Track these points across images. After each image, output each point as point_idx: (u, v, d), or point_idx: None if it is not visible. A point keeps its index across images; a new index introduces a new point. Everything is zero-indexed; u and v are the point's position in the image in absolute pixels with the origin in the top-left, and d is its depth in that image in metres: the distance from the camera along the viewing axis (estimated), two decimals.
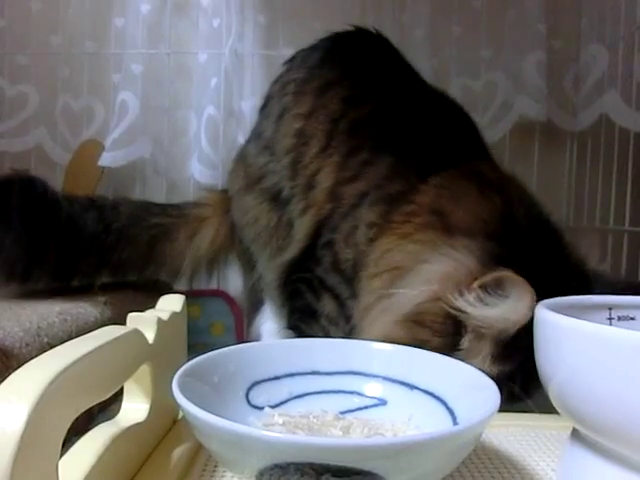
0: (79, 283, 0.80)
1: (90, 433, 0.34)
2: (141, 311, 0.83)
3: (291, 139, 0.73)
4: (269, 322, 0.84)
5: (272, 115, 0.77)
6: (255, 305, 0.85)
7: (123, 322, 0.81)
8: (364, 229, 0.64)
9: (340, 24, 0.95)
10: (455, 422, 0.36)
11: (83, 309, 0.70)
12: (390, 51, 0.78)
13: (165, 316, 0.42)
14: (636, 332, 0.31)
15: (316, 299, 0.69)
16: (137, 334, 0.37)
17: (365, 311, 0.60)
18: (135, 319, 0.40)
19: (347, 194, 0.67)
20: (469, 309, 0.50)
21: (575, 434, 0.41)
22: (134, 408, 0.39)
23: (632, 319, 0.46)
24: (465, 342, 0.51)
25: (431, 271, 0.54)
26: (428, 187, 0.62)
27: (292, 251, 0.72)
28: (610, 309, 0.46)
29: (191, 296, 1.00)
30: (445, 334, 0.51)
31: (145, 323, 0.40)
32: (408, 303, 0.53)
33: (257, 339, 0.86)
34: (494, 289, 0.49)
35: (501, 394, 0.35)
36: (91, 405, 0.32)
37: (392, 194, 0.64)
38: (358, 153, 0.68)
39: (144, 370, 0.39)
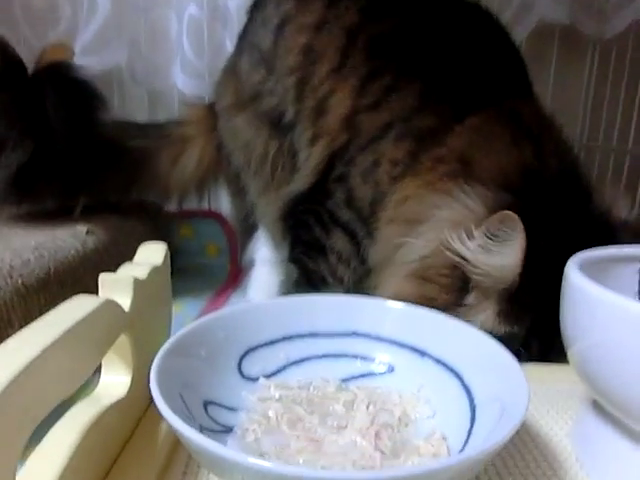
0: (55, 207, 0.73)
1: (68, 415, 0.30)
2: (129, 239, 0.77)
3: (296, 56, 0.63)
4: (263, 250, 0.79)
5: (269, 23, 0.67)
6: (248, 231, 0.80)
7: (109, 253, 0.76)
8: (387, 166, 0.58)
9: None
10: (472, 403, 0.32)
11: (62, 242, 0.64)
12: None
13: (143, 274, 0.37)
14: None
15: (325, 234, 0.64)
16: (110, 306, 0.32)
17: (381, 262, 0.56)
18: (108, 282, 0.35)
19: (367, 124, 0.60)
20: (467, 254, 0.47)
21: (592, 404, 0.38)
22: (114, 382, 0.35)
23: None
24: (470, 298, 0.47)
25: (440, 219, 0.50)
26: (463, 129, 0.55)
27: (298, 184, 0.65)
28: None
29: (183, 217, 0.97)
30: (451, 290, 0.48)
31: (119, 287, 0.35)
32: (415, 255, 0.50)
33: (250, 266, 0.82)
34: (495, 234, 0.46)
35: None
36: (64, 397, 0.28)
37: (422, 130, 0.57)
38: (380, 77, 0.60)
39: (122, 340, 0.34)
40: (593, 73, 0.93)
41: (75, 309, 0.30)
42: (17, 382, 0.22)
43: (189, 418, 0.28)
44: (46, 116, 0.68)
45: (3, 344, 0.25)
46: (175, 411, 0.25)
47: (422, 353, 0.37)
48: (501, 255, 0.46)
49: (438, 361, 0.36)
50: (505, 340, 0.35)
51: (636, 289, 0.42)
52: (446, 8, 0.63)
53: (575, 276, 0.34)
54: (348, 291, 0.64)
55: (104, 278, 0.35)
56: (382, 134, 0.59)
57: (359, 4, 0.62)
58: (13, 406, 0.22)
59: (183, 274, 0.90)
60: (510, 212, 0.45)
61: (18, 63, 0.70)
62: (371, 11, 0.62)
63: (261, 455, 0.29)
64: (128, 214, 0.81)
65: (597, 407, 0.37)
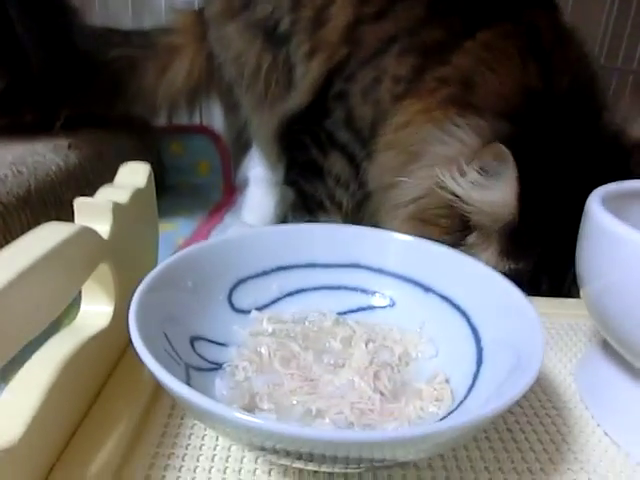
0: (35, 120, 0.68)
1: (46, 346, 0.28)
2: (114, 154, 0.73)
3: None
4: (258, 168, 0.75)
5: None
6: (241, 148, 0.75)
7: (93, 168, 0.72)
8: (389, 84, 0.53)
9: None
10: (479, 345, 0.30)
11: (42, 157, 0.60)
12: None
13: (124, 198, 0.34)
14: None
15: (322, 155, 0.60)
16: (85, 234, 0.29)
17: (380, 188, 0.52)
18: (85, 207, 0.31)
19: (369, 37, 0.55)
20: (459, 191, 0.44)
21: (599, 344, 0.36)
22: (95, 312, 0.32)
23: None
24: (472, 238, 0.45)
25: (433, 155, 0.47)
26: (473, 45, 0.50)
27: (294, 101, 0.60)
28: None
29: (173, 132, 0.92)
30: (452, 231, 0.45)
31: (97, 213, 0.31)
32: (409, 196, 0.48)
33: (244, 185, 0.78)
34: (485, 169, 0.43)
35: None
36: (36, 332, 0.26)
37: (429, 44, 0.52)
38: None
39: (103, 269, 0.32)
40: None
41: (47, 236, 0.27)
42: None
43: (174, 357, 0.26)
44: (16, 38, 0.62)
45: None
46: (157, 352, 0.23)
47: (426, 288, 0.34)
48: (493, 190, 0.43)
49: (443, 297, 0.33)
50: (512, 278, 0.32)
51: None
52: None
53: (597, 211, 0.31)
54: (346, 216, 0.62)
55: (80, 203, 0.31)
56: (385, 48, 0.54)
57: None
58: None
59: (174, 192, 0.87)
60: (499, 144, 0.42)
61: None
62: None
63: (252, 396, 0.27)
64: (114, 128, 0.76)
65: (604, 347, 0.35)
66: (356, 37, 0.56)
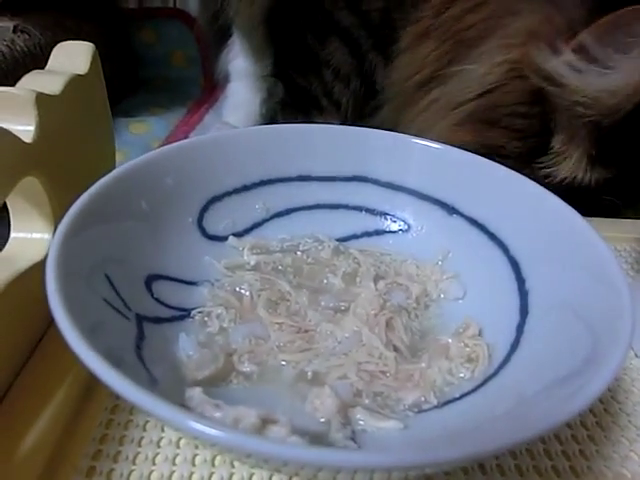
0: None
1: None
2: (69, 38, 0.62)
3: None
4: (239, 59, 0.65)
5: None
6: (219, 35, 0.65)
7: (45, 59, 0.62)
8: None
9: None
10: (522, 287, 0.23)
11: None
12: None
13: (56, 88, 0.25)
14: None
15: (319, 42, 0.50)
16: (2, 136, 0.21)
17: (406, 87, 0.42)
18: (1, 101, 0.23)
19: None
20: (571, 77, 0.33)
21: None
22: (27, 239, 0.25)
23: None
24: (557, 143, 0.35)
25: (511, 31, 0.36)
26: None
27: None
28: None
29: (143, 17, 0.80)
30: (528, 134, 0.36)
31: (17, 108, 0.23)
32: (475, 88, 0.37)
33: (225, 79, 0.68)
34: (603, 40, 0.32)
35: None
36: None
37: None
38: None
39: (32, 184, 0.24)
40: None
41: None
42: None
43: (119, 309, 0.19)
44: None
45: None
46: (89, 311, 0.16)
47: (451, 209, 0.27)
48: (617, 73, 0.33)
49: (473, 221, 0.26)
50: (595, 191, 0.25)
51: None
52: None
53: None
54: (345, 119, 0.53)
55: None
56: None
57: None
58: None
59: (147, 88, 0.77)
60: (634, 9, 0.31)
61: None
62: None
63: (228, 355, 0.21)
64: (73, 10, 0.65)
65: None
66: None
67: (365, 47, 0.49)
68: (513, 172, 0.25)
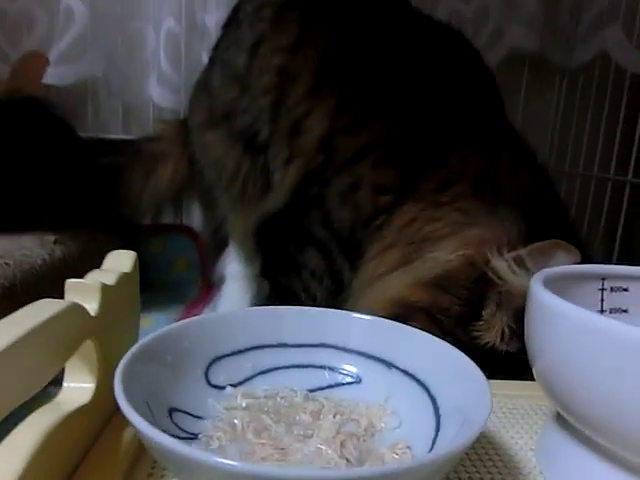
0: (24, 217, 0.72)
1: (27, 420, 0.29)
2: (99, 250, 0.77)
3: (271, 76, 0.64)
4: (234, 264, 0.79)
5: (244, 43, 0.67)
6: (218, 245, 0.79)
7: (77, 264, 0.75)
8: (369, 192, 0.58)
9: None
10: (437, 413, 0.32)
11: (29, 250, 0.63)
12: None
13: (111, 280, 0.37)
14: (627, 326, 0.29)
15: (298, 250, 0.64)
16: (75, 309, 0.32)
17: (372, 280, 0.56)
18: (75, 287, 0.34)
19: (344, 146, 0.60)
20: (509, 276, 0.47)
21: (557, 417, 0.38)
22: (77, 388, 0.34)
23: (625, 290, 0.44)
24: (487, 313, 0.48)
25: (469, 236, 0.51)
26: (463, 153, 0.57)
27: (272, 202, 0.66)
28: (603, 279, 0.43)
29: (153, 231, 0.96)
30: (467, 303, 0.48)
31: (86, 292, 0.34)
32: (438, 267, 0.50)
33: (220, 281, 0.81)
34: (535, 258, 0.47)
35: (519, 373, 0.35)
36: (26, 398, 0.28)
37: (407, 156, 0.58)
38: (358, 99, 0.61)
39: (88, 346, 0.34)
40: (561, 101, 0.96)
41: (38, 311, 0.29)
42: None
43: (153, 424, 0.28)
44: (17, 149, 0.67)
45: None
46: (139, 414, 0.25)
47: (389, 365, 0.37)
48: None
49: (405, 372, 0.36)
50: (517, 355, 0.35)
51: (598, 307, 0.43)
52: (418, 30, 0.65)
53: (537, 290, 0.35)
54: None
55: (70, 283, 0.34)
56: (359, 156, 0.60)
57: (334, 26, 0.63)
58: None
59: (152, 289, 0.89)
60: (561, 241, 0.46)
61: None
62: (346, 34, 0.63)
63: None
64: (99, 226, 0.80)
65: (561, 420, 0.38)
66: (331, 146, 0.61)
67: (335, 254, 0.62)
68: (425, 334, 0.36)
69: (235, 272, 0.80)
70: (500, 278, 0.48)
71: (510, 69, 0.94)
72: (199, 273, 0.97)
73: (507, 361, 0.46)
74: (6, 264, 0.58)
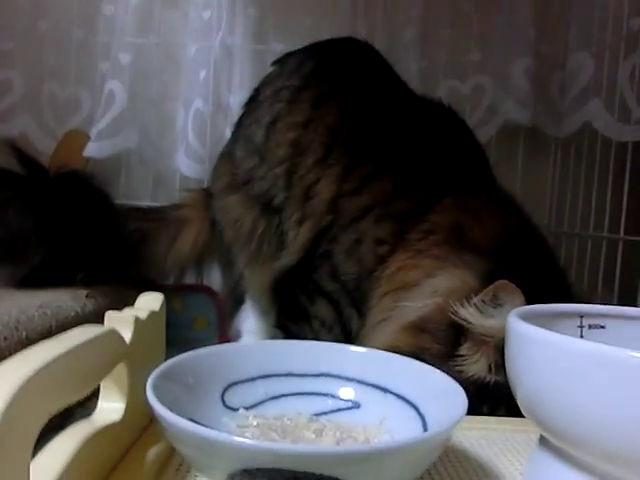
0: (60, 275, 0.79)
1: (65, 432, 0.34)
2: (125, 305, 0.83)
3: (286, 149, 0.73)
4: (250, 320, 0.84)
5: (263, 120, 0.77)
6: (236, 303, 0.85)
7: (104, 317, 0.81)
8: (371, 245, 0.65)
9: (331, 21, 0.95)
10: (425, 427, 0.36)
11: (64, 303, 0.69)
12: (381, 62, 0.79)
13: (143, 315, 0.43)
14: (600, 344, 0.33)
15: (309, 301, 0.70)
16: (114, 334, 0.37)
17: (373, 328, 0.61)
18: (113, 318, 0.40)
19: (349, 207, 0.68)
20: (471, 319, 0.53)
21: (542, 440, 0.42)
22: (110, 408, 0.39)
23: (602, 327, 0.48)
24: (464, 349, 0.52)
25: (437, 286, 0.57)
26: (442, 207, 0.63)
27: (286, 260, 0.72)
28: (581, 317, 0.47)
29: (173, 290, 1.02)
30: (445, 342, 0.53)
31: (123, 322, 0.40)
32: (414, 313, 0.56)
33: (237, 337, 0.86)
34: (492, 301, 0.52)
35: (501, 405, 0.39)
36: (65, 406, 0.33)
37: (401, 212, 0.65)
38: (360, 166, 0.69)
39: (121, 369, 0.39)
40: (557, 168, 1.03)
41: (81, 333, 0.35)
42: (19, 395, 0.25)
43: None
44: (62, 219, 0.75)
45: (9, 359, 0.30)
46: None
47: (385, 390, 0.41)
48: (502, 318, 0.51)
49: (398, 396, 0.40)
50: (497, 388, 0.39)
51: None
52: (411, 108, 0.73)
53: (514, 321, 0.40)
54: None
55: (110, 314, 0.40)
56: (363, 215, 0.67)
57: (340, 105, 0.72)
58: (35, 392, 0.27)
59: (172, 346, 0.93)
60: (507, 282, 0.51)
61: (40, 169, 0.77)
62: (349, 112, 0.72)
63: None
64: (126, 284, 0.86)
65: (546, 444, 0.41)
66: (338, 207, 0.69)
67: (344, 305, 0.68)
68: (419, 362, 0.41)
69: (251, 327, 0.85)
70: (469, 323, 0.53)
71: (507, 140, 1.02)
72: (217, 331, 1.02)
73: (498, 390, 0.50)
74: (44, 313, 0.64)
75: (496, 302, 0.52)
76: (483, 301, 0.53)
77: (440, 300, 0.55)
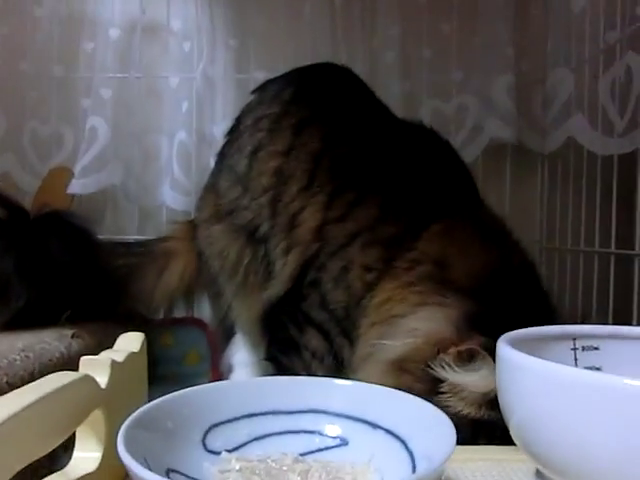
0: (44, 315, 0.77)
1: None
2: (114, 342, 0.82)
3: (269, 178, 0.72)
4: (240, 353, 0.82)
5: (244, 150, 0.76)
6: (226, 334, 0.84)
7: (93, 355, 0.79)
8: (358, 271, 0.64)
9: (312, 47, 0.96)
10: (413, 463, 0.35)
11: (47, 344, 0.68)
12: (360, 86, 0.79)
13: (121, 357, 0.41)
14: (593, 372, 0.32)
15: (299, 333, 0.68)
16: (87, 380, 0.36)
17: (361, 361, 0.60)
18: (87, 363, 0.39)
19: (335, 234, 0.67)
20: (447, 376, 0.51)
21: (538, 473, 0.40)
22: (85, 457, 0.37)
23: (596, 349, 0.47)
24: (445, 386, 0.51)
25: (417, 324, 0.56)
26: (430, 235, 0.62)
27: (275, 289, 0.71)
28: (574, 339, 0.46)
29: (164, 325, 1.00)
30: (426, 380, 0.52)
31: (98, 367, 0.38)
32: (395, 352, 0.55)
33: (228, 371, 0.84)
34: (464, 361, 0.51)
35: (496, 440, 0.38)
36: (35, 458, 0.31)
37: (388, 237, 0.64)
38: (344, 193, 0.68)
39: (97, 416, 0.37)
40: (545, 184, 1.03)
41: (53, 380, 0.34)
42: (4, 428, 0.25)
43: None
44: (45, 260, 0.74)
45: None
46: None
47: (374, 425, 0.40)
48: (475, 378, 0.51)
49: (388, 431, 0.39)
50: (490, 423, 0.37)
51: (573, 365, 0.46)
52: (393, 132, 0.73)
53: (504, 349, 0.38)
54: None
55: (84, 359, 0.39)
56: (349, 242, 0.66)
57: (322, 132, 0.72)
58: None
59: (163, 382, 0.91)
60: (475, 348, 0.50)
61: (20, 210, 0.77)
62: (331, 138, 0.72)
63: None
64: (113, 320, 0.85)
65: (543, 477, 0.40)
66: (324, 234, 0.68)
67: (334, 334, 0.67)
68: (406, 394, 0.39)
69: (242, 360, 0.83)
70: (445, 378, 0.52)
71: (494, 158, 1.02)
72: (209, 365, 1.00)
73: (492, 425, 0.48)
74: (26, 357, 0.62)
75: (467, 365, 0.51)
76: (458, 357, 0.51)
77: (419, 341, 0.54)
